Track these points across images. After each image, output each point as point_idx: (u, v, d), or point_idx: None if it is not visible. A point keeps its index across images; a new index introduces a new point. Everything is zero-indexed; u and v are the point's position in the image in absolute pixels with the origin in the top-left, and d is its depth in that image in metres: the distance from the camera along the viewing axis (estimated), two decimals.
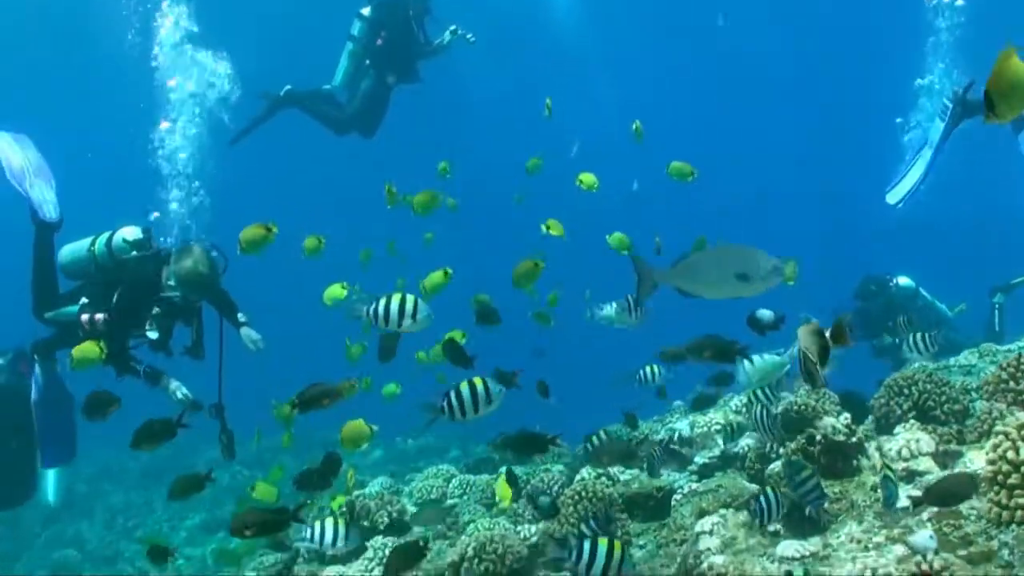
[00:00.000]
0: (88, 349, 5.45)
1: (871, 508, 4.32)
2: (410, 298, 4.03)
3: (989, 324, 9.53)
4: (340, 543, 4.41)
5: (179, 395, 6.13)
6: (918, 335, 6.16)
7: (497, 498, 6.20)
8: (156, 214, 6.85)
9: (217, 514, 13.08)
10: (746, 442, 6.17)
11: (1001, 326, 9.47)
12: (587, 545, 3.43)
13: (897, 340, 8.28)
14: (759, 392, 5.00)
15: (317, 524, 4.40)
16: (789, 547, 4.10)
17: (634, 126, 6.89)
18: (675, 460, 6.00)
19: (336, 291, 6.65)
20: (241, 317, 6.39)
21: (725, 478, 5.54)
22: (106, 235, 6.34)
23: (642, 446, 6.61)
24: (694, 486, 5.51)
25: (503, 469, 6.82)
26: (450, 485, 7.74)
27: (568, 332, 7.87)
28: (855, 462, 4.78)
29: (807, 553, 4.04)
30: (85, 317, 6.14)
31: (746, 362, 4.90)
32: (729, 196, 23.94)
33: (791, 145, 26.56)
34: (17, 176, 6.55)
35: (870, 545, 3.97)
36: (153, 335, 6.08)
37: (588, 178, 6.98)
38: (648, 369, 5.86)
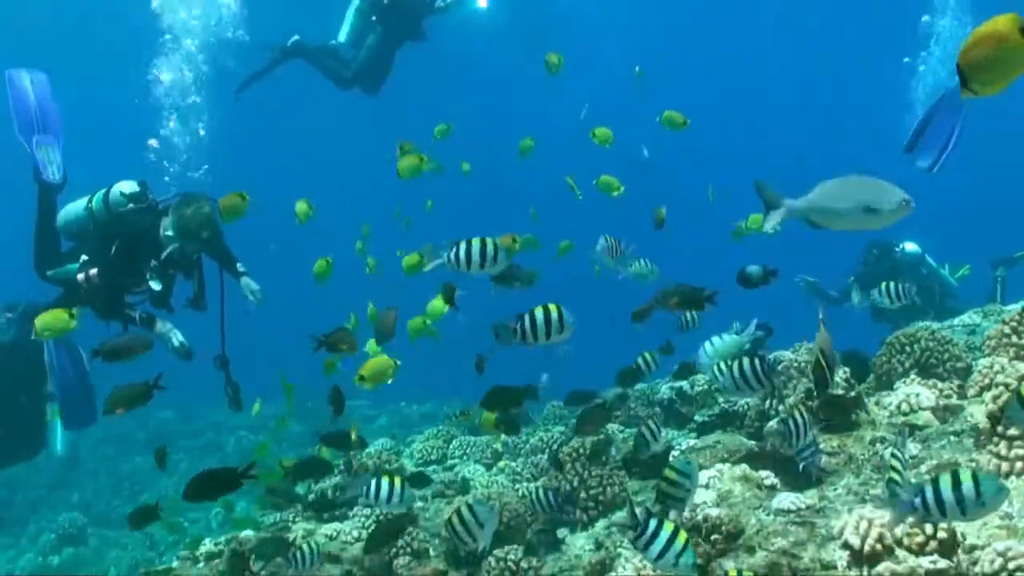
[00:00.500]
0: (55, 317, 5.21)
1: (869, 462, 4.27)
2: (490, 241, 3.87)
3: (991, 297, 9.40)
4: (395, 500, 4.31)
5: (175, 342, 6.09)
6: (891, 284, 6.07)
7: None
8: (153, 142, 6.79)
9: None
10: (745, 400, 6.12)
11: (1003, 299, 9.33)
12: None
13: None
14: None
15: (373, 481, 4.30)
16: (785, 499, 4.05)
17: (635, 71, 6.71)
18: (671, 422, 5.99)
19: (321, 266, 6.59)
20: (240, 267, 6.36)
21: (724, 435, 5.49)
22: (102, 191, 6.30)
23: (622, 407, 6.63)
24: (692, 442, 5.46)
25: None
26: (450, 446, 7.73)
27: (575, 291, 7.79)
28: (854, 416, 4.71)
29: (803, 506, 4.00)
30: (81, 275, 6.12)
31: (707, 344, 4.88)
32: (737, 156, 23.76)
33: (798, 95, 26.27)
34: (25, 131, 6.57)
35: (867, 497, 3.92)
36: (156, 285, 6.05)
37: (603, 132, 6.87)
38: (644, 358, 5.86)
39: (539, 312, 3.70)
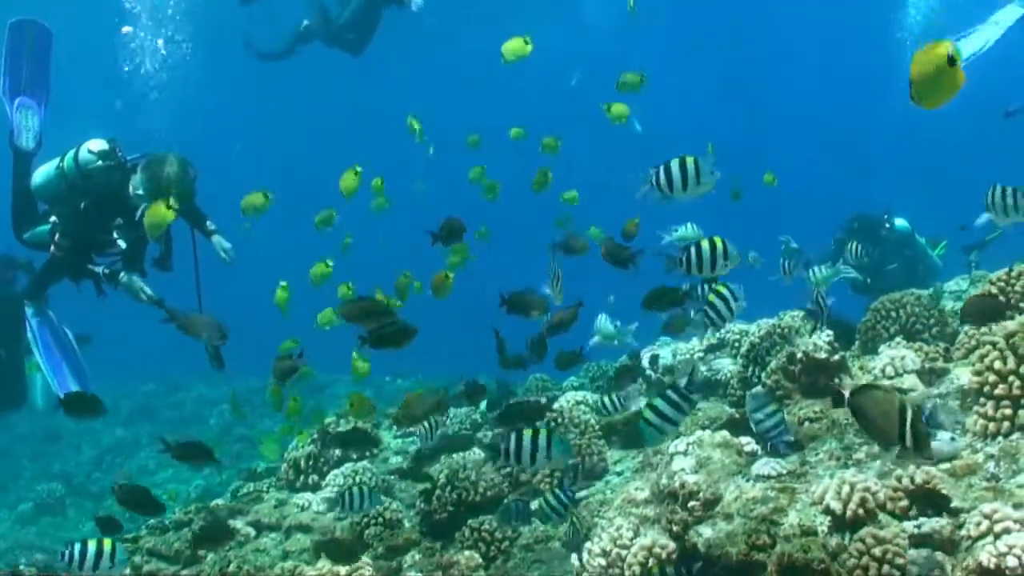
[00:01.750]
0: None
1: (852, 426, 4.12)
2: (690, 159, 3.57)
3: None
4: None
5: (143, 296, 5.90)
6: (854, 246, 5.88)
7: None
8: (127, 29, 6.55)
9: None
10: (728, 368, 5.99)
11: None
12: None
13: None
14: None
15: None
16: (765, 466, 3.92)
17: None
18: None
19: (321, 269, 6.43)
20: (210, 225, 6.17)
21: (706, 403, 5.36)
22: (72, 150, 6.12)
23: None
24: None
25: None
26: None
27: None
28: (837, 380, 4.58)
29: (784, 471, 3.87)
30: (53, 247, 6.00)
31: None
32: (731, 120, 23.59)
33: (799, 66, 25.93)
34: (10, 90, 6.43)
35: (850, 462, 3.79)
36: (123, 244, 5.88)
37: (618, 108, 6.41)
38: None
39: (706, 244, 3.59)
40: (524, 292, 4.67)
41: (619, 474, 5.45)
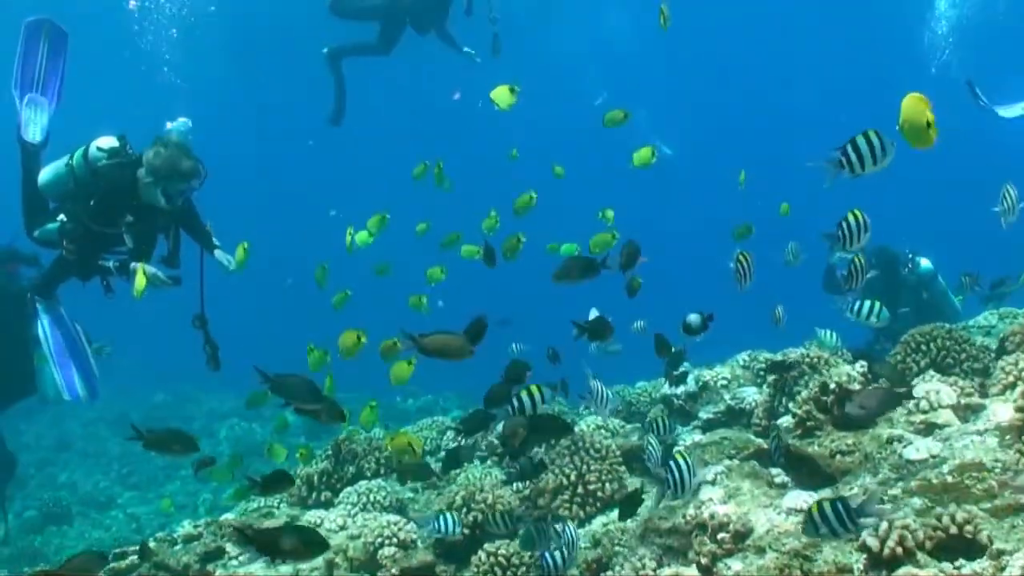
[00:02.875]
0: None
1: (887, 461, 4.01)
2: (873, 133, 3.55)
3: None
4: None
5: (158, 281, 5.82)
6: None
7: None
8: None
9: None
10: (753, 397, 5.88)
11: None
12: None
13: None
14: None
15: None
16: (797, 498, 3.81)
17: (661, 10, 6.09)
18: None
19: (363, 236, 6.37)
20: (215, 241, 6.15)
21: (730, 431, 5.24)
22: (82, 148, 6.06)
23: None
24: (697, 438, 5.21)
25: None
26: (444, 437, 7.48)
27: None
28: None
29: None
30: (64, 250, 5.98)
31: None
32: (759, 142, 23.38)
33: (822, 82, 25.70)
34: (21, 87, 6.40)
35: (886, 498, 3.66)
36: (129, 242, 5.81)
37: (642, 154, 6.44)
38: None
39: (861, 140, 3.49)
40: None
41: (641, 502, 5.32)
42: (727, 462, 4.36)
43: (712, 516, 3.74)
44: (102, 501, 11.85)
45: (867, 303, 5.57)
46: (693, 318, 5.31)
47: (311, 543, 3.41)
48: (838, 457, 4.23)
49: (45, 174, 6.19)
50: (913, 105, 3.32)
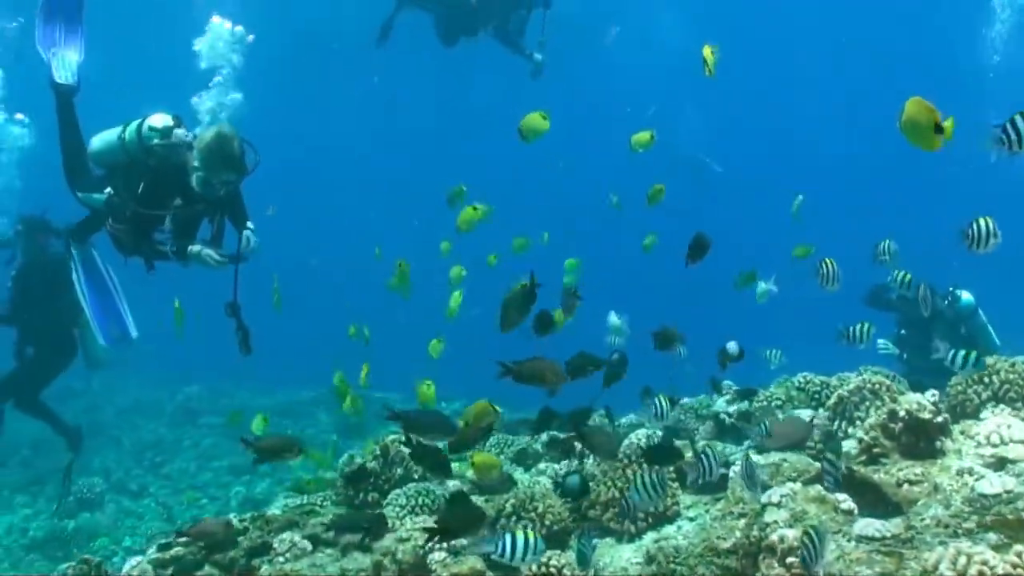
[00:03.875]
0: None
1: (959, 493, 3.94)
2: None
3: None
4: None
5: (214, 261, 5.77)
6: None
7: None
8: None
9: (246, 459, 12.93)
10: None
11: None
12: None
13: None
14: None
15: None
16: (869, 526, 3.74)
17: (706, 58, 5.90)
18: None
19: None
20: (249, 224, 6.03)
21: (789, 454, 5.17)
22: (136, 122, 5.98)
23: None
24: (756, 458, 5.13)
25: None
26: (486, 443, 7.44)
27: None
28: (938, 443, 4.38)
29: (888, 534, 3.68)
30: (109, 227, 5.96)
31: None
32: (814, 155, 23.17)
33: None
34: (45, 42, 6.38)
35: (960, 531, 3.60)
36: (169, 224, 5.79)
37: (643, 137, 6.20)
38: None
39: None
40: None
41: (691, 519, 5.27)
42: (791, 485, 4.29)
43: (782, 539, 3.68)
44: (134, 489, 11.88)
45: (962, 353, 5.48)
46: (732, 346, 5.31)
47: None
48: (905, 486, 4.17)
49: (96, 142, 6.15)
50: (915, 107, 3.43)
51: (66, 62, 6.32)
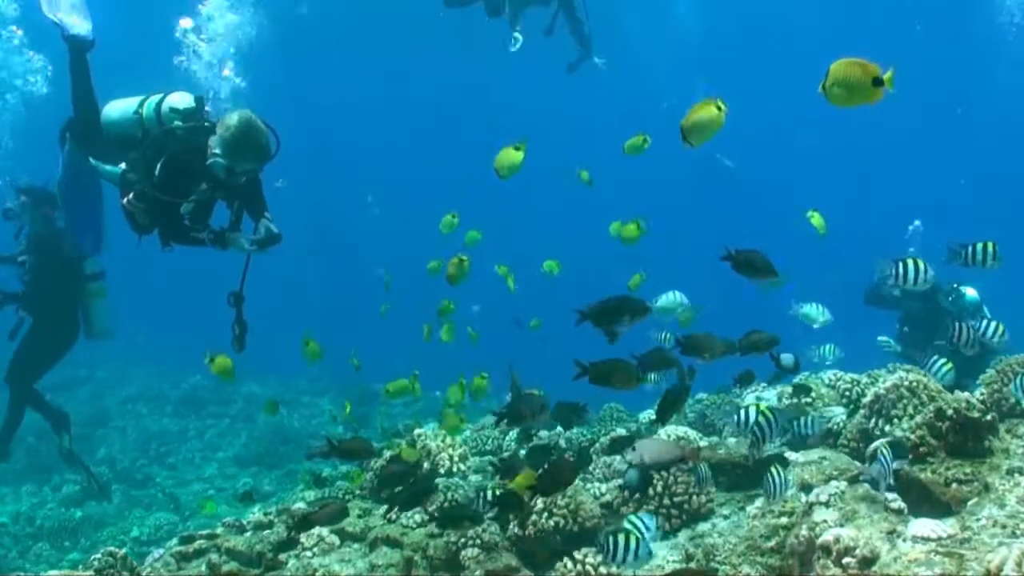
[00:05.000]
0: None
1: (1011, 492, 3.88)
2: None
3: None
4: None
5: (246, 245, 5.60)
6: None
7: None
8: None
9: (252, 448, 12.89)
10: (841, 418, 5.75)
11: None
12: None
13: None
14: None
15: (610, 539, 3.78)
16: (924, 526, 3.67)
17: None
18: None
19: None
20: (267, 214, 5.84)
21: (829, 452, 5.12)
22: (155, 98, 5.80)
23: None
24: (793, 456, 5.08)
25: None
26: (507, 437, 7.39)
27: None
28: (987, 442, 4.33)
29: (945, 535, 3.62)
30: (126, 200, 5.62)
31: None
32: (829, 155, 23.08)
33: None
34: (51, 7, 6.07)
35: (1018, 531, 3.54)
36: (187, 208, 5.52)
37: (635, 142, 5.90)
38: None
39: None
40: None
41: (726, 517, 5.21)
42: (838, 484, 4.23)
43: (837, 539, 3.62)
44: (139, 479, 11.82)
45: (941, 361, 5.47)
46: (787, 358, 5.28)
47: None
48: (954, 486, 4.10)
49: (111, 111, 5.98)
50: (845, 67, 3.39)
51: (77, 15, 6.06)
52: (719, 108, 3.71)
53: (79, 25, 6.06)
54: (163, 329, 19.42)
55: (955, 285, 8.04)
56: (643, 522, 4.03)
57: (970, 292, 8.10)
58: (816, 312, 6.09)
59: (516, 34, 10.20)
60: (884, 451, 3.90)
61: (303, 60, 22.76)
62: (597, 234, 7.31)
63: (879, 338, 8.09)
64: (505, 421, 4.09)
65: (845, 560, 3.58)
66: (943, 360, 5.52)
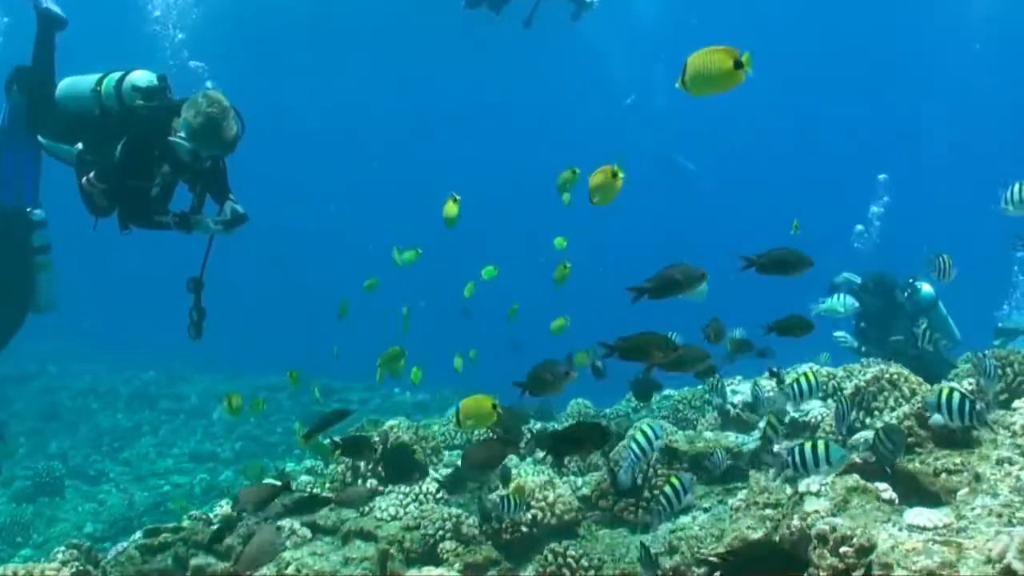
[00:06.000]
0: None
1: (1003, 482, 3.85)
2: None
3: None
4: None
5: (213, 225, 5.42)
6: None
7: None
8: None
9: (207, 445, 12.70)
10: (818, 411, 5.74)
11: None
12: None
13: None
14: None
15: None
16: (920, 515, 3.64)
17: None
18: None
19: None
20: (232, 197, 5.64)
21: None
22: (116, 75, 5.49)
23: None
24: (777, 447, 5.04)
25: None
26: (475, 433, 7.27)
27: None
28: (975, 432, 4.31)
29: (940, 523, 3.58)
30: (85, 180, 5.32)
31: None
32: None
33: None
34: None
35: (1015, 520, 3.51)
36: (154, 191, 5.30)
37: (566, 177, 5.51)
38: None
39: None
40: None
41: (706, 510, 5.16)
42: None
43: (834, 529, 3.56)
44: (92, 475, 11.56)
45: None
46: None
47: None
48: (943, 476, 4.08)
49: (67, 86, 5.71)
50: (701, 56, 3.39)
51: None
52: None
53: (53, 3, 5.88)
54: (110, 316, 19.12)
55: (911, 280, 8.05)
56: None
57: (926, 288, 8.11)
58: (837, 303, 6.07)
59: None
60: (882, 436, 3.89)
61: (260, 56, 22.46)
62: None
63: (835, 333, 8.10)
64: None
65: (842, 549, 3.52)
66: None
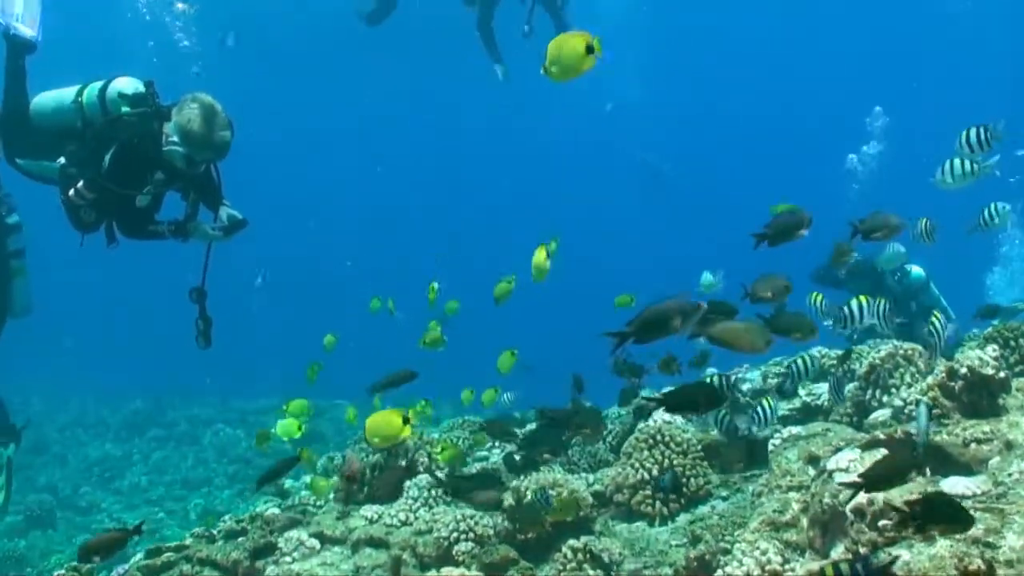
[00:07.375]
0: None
1: None
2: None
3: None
4: None
5: (211, 232, 5.26)
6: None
7: None
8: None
9: (200, 472, 12.51)
10: (826, 396, 5.64)
11: None
12: None
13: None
14: None
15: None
16: (957, 484, 3.52)
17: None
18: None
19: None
20: (225, 202, 5.47)
21: (830, 424, 4.97)
22: (98, 85, 5.32)
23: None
24: (795, 430, 4.92)
25: None
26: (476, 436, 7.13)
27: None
28: (1001, 400, 4.20)
29: (979, 491, 3.47)
30: (72, 192, 5.07)
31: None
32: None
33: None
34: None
35: None
36: (143, 201, 5.15)
37: (539, 261, 5.10)
38: None
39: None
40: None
41: (724, 498, 5.04)
42: (852, 452, 4.06)
43: (871, 502, 3.44)
44: (83, 506, 11.35)
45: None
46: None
47: None
48: (973, 446, 3.96)
49: (44, 101, 5.50)
50: (559, 44, 3.53)
51: (28, 10, 5.65)
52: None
53: (26, 27, 5.70)
54: (91, 334, 18.88)
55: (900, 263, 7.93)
56: None
57: (916, 269, 8.01)
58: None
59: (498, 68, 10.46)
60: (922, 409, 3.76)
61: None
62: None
63: (825, 323, 7.96)
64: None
65: (881, 523, 3.40)
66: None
